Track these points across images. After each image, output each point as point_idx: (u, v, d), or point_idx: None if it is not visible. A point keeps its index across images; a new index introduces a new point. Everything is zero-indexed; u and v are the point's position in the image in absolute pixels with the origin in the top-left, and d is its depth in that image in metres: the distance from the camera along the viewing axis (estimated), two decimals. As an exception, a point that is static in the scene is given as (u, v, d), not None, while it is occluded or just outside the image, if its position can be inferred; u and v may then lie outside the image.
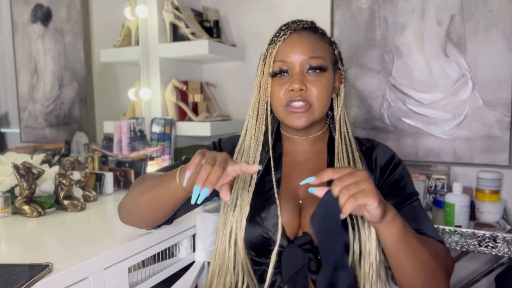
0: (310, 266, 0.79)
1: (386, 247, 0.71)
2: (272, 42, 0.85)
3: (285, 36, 0.83)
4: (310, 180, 0.66)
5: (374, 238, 0.78)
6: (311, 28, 0.87)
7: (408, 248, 0.69)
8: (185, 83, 1.74)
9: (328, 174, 0.65)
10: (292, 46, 0.83)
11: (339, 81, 0.91)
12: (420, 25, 1.55)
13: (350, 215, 0.79)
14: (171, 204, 0.80)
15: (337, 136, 0.88)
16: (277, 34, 0.85)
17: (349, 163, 0.85)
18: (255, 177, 0.86)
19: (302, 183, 0.67)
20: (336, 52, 0.89)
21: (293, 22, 0.86)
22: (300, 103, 0.82)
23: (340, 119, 0.90)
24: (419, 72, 1.56)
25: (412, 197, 0.85)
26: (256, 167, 0.67)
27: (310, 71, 0.82)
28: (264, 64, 0.85)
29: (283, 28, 0.85)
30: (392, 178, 0.86)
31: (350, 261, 0.78)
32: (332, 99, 0.90)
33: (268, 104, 0.87)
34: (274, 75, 0.84)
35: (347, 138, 0.88)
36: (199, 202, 0.67)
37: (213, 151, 0.72)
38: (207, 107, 1.86)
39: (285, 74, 0.84)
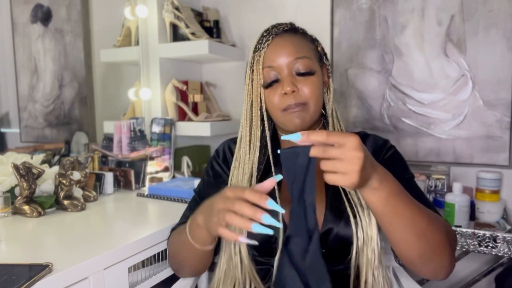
0: None
1: (373, 212, 0.67)
2: (256, 49, 0.86)
3: (268, 42, 0.85)
4: (295, 138, 0.59)
5: (375, 224, 0.78)
6: (291, 29, 0.88)
7: (398, 218, 0.64)
8: (185, 83, 1.74)
9: (317, 137, 0.58)
10: (276, 50, 0.84)
11: (327, 75, 0.92)
12: (420, 25, 1.55)
13: (350, 204, 0.80)
14: (200, 259, 0.84)
15: (330, 130, 0.89)
16: (260, 41, 0.86)
17: None
18: (254, 183, 0.86)
19: (283, 137, 0.61)
20: (319, 48, 0.91)
21: (273, 26, 0.88)
22: (296, 108, 0.83)
23: (332, 113, 0.90)
24: (419, 72, 1.56)
25: (407, 173, 0.85)
26: (272, 181, 0.64)
27: (298, 76, 0.84)
28: (252, 72, 0.87)
29: (265, 34, 0.87)
30: (385, 157, 0.86)
31: (355, 249, 0.78)
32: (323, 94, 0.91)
33: (263, 110, 0.88)
34: (266, 86, 0.86)
35: (339, 131, 0.89)
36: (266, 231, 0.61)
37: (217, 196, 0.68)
38: (207, 107, 1.86)
39: (276, 82, 0.85)
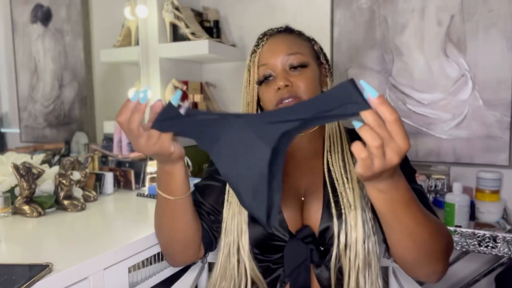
0: (312, 258, 0.80)
1: (374, 207, 0.64)
2: (253, 52, 0.89)
3: (263, 43, 0.88)
4: (372, 93, 0.51)
5: (360, 227, 0.77)
6: (286, 30, 0.90)
7: (399, 224, 0.62)
8: (185, 83, 1.74)
9: (386, 113, 0.52)
10: (270, 49, 0.86)
11: (325, 75, 0.92)
12: (420, 25, 1.55)
13: (337, 205, 0.79)
14: (182, 219, 0.81)
15: (327, 129, 0.89)
16: (256, 44, 0.89)
17: (343, 158, 0.85)
18: None
19: (362, 82, 0.53)
20: (316, 47, 0.91)
21: (269, 29, 0.91)
22: (290, 99, 0.83)
23: None
24: (419, 72, 1.56)
25: (412, 173, 0.84)
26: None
27: (292, 70, 0.84)
28: (250, 74, 0.88)
29: (260, 37, 0.90)
30: None
31: (335, 251, 0.77)
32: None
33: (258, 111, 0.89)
34: (260, 82, 0.87)
35: (337, 131, 0.89)
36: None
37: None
38: (207, 107, 1.86)
39: (270, 78, 0.86)
